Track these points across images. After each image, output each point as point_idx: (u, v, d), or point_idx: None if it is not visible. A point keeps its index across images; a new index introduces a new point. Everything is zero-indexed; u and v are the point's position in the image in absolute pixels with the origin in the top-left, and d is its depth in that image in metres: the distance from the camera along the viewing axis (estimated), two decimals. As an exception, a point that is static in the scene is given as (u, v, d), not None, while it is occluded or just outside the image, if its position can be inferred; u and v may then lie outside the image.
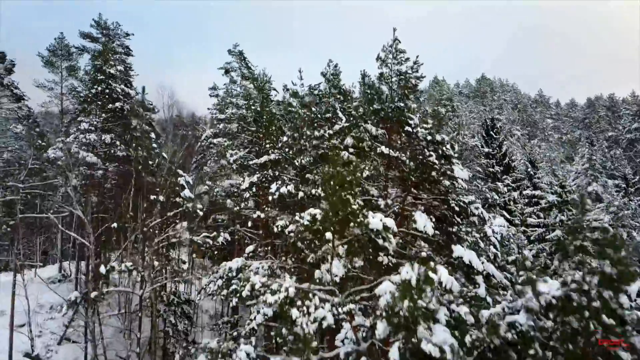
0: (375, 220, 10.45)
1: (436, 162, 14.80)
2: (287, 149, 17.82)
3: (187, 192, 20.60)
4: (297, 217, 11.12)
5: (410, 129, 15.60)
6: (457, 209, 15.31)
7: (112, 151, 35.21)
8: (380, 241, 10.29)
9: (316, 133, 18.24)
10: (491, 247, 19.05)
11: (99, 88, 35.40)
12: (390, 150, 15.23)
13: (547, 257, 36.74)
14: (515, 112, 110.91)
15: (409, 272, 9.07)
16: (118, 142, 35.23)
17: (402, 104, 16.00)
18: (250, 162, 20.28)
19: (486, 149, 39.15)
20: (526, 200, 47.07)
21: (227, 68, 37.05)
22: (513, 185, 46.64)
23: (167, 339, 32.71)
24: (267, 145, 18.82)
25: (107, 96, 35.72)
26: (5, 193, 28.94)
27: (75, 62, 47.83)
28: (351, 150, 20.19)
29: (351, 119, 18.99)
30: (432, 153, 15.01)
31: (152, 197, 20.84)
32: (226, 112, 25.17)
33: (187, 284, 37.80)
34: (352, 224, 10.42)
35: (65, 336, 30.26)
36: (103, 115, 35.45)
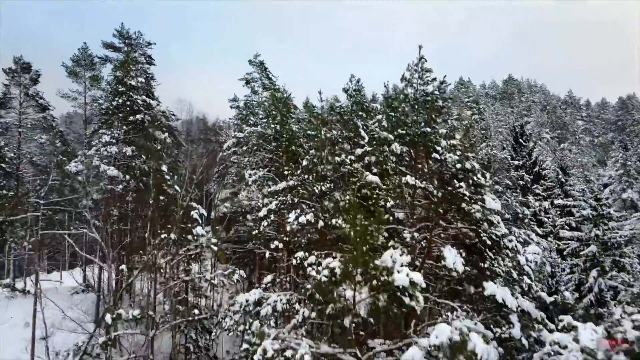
0: (401, 276, 9.53)
1: (466, 193, 13.74)
2: (306, 175, 16.99)
3: (199, 230, 19.96)
4: (313, 270, 10.29)
5: (437, 156, 14.58)
6: (488, 242, 14.24)
7: (133, 164, 35.08)
8: (407, 299, 9.37)
9: (337, 159, 17.41)
10: (524, 277, 17.85)
11: (120, 100, 35.27)
12: (417, 181, 14.25)
13: (581, 274, 35.06)
14: (544, 114, 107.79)
15: (439, 335, 8.11)
16: (138, 154, 35.09)
17: (428, 129, 14.97)
18: (268, 190, 19.54)
19: (516, 162, 37.59)
20: (558, 211, 45.25)
21: (247, 79, 36.54)
22: (543, 194, 44.88)
23: (188, 354, 32.31)
24: (286, 172, 18.06)
25: (128, 108, 35.56)
26: (28, 209, 28.89)
27: (98, 72, 48.13)
28: (374, 170, 19.28)
29: (374, 142, 18.03)
30: (462, 183, 13.96)
31: (163, 235, 20.26)
32: (245, 130, 24.53)
33: (210, 297, 37.38)
34: (375, 281, 9.53)
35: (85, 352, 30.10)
36: (124, 127, 35.28)
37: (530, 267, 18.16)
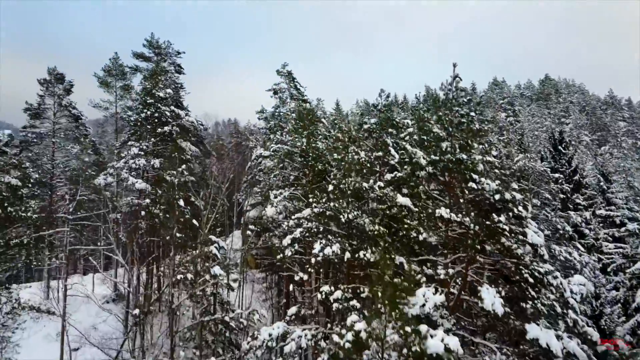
0: (436, 342, 8.57)
1: (506, 227, 12.60)
2: (332, 203, 16.06)
3: (217, 270, 19.31)
4: (335, 336, 9.42)
5: (474, 185, 13.46)
6: (531, 279, 13.05)
7: (161, 176, 35.03)
8: (442, 370, 8.42)
9: (365, 185, 16.41)
10: (569, 311, 16.50)
11: (148, 112, 35.25)
12: (452, 214, 13.18)
13: (627, 292, 32.99)
14: (583, 116, 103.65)
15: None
16: (166, 167, 35.02)
17: (464, 156, 13.86)
18: (292, 218, 18.72)
19: (556, 175, 35.73)
20: (600, 222, 42.92)
21: (275, 89, 35.94)
22: (584, 204, 42.63)
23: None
24: (311, 198, 17.18)
25: (156, 120, 35.52)
26: (57, 224, 29.06)
27: (129, 82, 48.56)
28: (405, 191, 18.27)
29: (404, 160, 16.96)
30: (501, 215, 12.81)
31: (179, 275, 19.76)
32: (270, 147, 23.86)
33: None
34: (405, 350, 8.58)
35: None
36: (152, 139, 35.24)
37: (575, 299, 16.80)
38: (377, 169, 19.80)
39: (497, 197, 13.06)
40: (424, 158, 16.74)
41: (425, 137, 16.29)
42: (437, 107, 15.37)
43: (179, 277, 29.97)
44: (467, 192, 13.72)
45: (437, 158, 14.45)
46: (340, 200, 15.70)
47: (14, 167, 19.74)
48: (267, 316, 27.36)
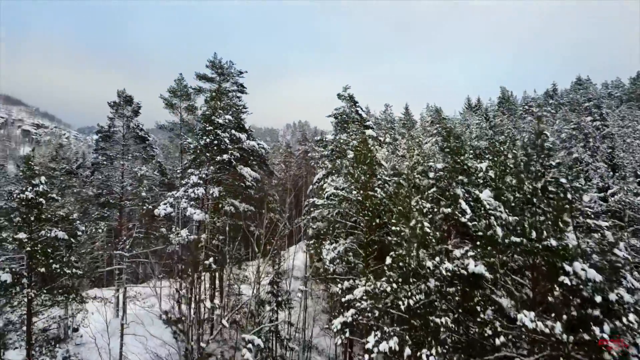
0: None
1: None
2: (392, 284, 13.79)
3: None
4: None
5: (567, 280, 10.75)
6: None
7: (220, 205, 34.38)
8: None
9: (429, 264, 13.93)
10: None
11: (208, 139, 34.66)
12: (539, 323, 10.53)
13: None
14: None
15: None
16: (225, 195, 34.34)
17: (553, 242, 11.15)
18: (343, 299, 16.66)
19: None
20: None
21: (336, 114, 34.12)
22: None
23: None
24: (366, 274, 15.07)
25: (215, 147, 34.86)
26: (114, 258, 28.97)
27: (193, 102, 48.84)
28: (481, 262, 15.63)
29: (480, 238, 14.30)
30: (603, 325, 10.06)
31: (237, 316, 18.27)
32: (326, 193, 21.96)
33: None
34: None
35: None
36: (211, 167, 34.64)
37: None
38: (444, 228, 17.33)
39: (598, 298, 10.32)
40: (502, 224, 14.07)
41: (505, 210, 13.62)
42: (518, 171, 12.71)
43: (237, 317, 29.05)
44: (557, 287, 11.03)
45: (519, 240, 11.83)
46: (400, 281, 13.49)
47: (62, 219, 19.36)
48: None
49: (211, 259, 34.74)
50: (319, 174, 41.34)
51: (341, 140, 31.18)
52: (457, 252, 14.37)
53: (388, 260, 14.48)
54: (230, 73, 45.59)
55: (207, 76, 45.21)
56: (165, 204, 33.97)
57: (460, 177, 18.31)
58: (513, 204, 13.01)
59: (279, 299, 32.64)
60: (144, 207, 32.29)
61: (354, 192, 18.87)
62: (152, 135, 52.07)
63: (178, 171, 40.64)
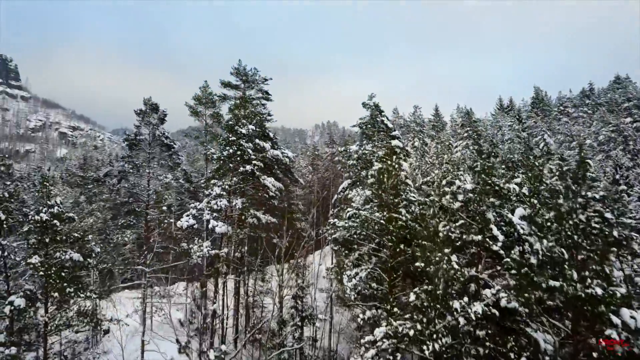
0: None
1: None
2: (414, 326, 12.69)
3: None
4: None
5: (615, 335, 9.49)
6: None
7: (243, 217, 33.84)
8: None
9: (457, 304, 12.71)
10: None
11: (231, 150, 34.15)
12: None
13: None
14: None
15: None
16: (248, 207, 33.79)
17: (598, 290, 9.88)
18: (363, 342, 15.54)
19: None
20: None
21: (360, 124, 33.12)
22: None
23: None
24: (387, 313, 14.00)
25: (239, 158, 34.33)
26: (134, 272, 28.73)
27: (218, 109, 48.59)
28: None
29: (513, 268, 13.06)
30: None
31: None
32: (347, 213, 20.95)
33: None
34: None
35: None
36: (234, 178, 34.10)
37: None
38: (474, 257, 16.12)
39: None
40: (537, 254, 12.83)
41: (540, 220, 12.35)
42: (557, 205, 11.46)
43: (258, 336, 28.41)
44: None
45: (558, 284, 10.60)
46: (424, 321, 12.42)
47: (76, 240, 19.02)
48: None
49: (232, 275, 34.38)
50: (344, 183, 40.38)
51: (366, 151, 30.12)
52: (488, 292, 13.17)
53: (412, 297, 13.40)
54: (255, 80, 45.11)
55: (231, 84, 44.84)
56: (188, 215, 33.63)
57: (491, 200, 17.07)
58: (549, 232, 11.76)
59: (303, 314, 31.85)
60: (166, 220, 31.90)
61: (377, 213, 17.86)
62: (178, 143, 52.24)
63: (202, 182, 40.30)
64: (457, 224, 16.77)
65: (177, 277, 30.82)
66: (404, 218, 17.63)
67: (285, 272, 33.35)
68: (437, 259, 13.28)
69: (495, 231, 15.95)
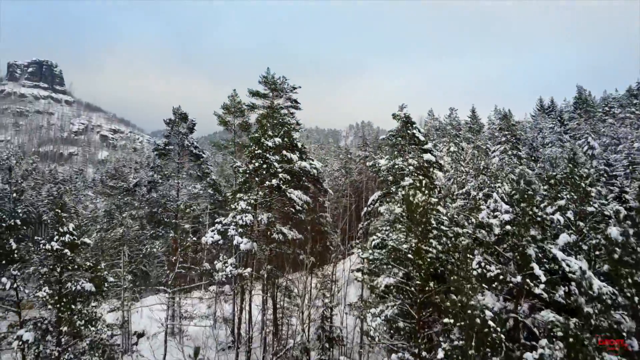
0: None
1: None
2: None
3: None
4: None
5: None
6: None
7: (269, 233, 32.88)
8: None
9: None
10: None
11: (257, 163, 33.25)
12: None
13: None
14: None
15: None
16: (274, 222, 32.83)
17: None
18: None
19: None
20: None
21: (390, 136, 31.65)
22: None
23: None
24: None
25: (264, 171, 33.38)
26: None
27: (247, 119, 48.06)
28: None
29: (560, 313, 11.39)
30: None
31: None
32: (373, 242, 19.54)
33: None
34: None
35: None
36: (260, 192, 33.17)
37: None
38: (514, 296, 14.46)
39: None
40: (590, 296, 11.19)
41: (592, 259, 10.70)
42: (614, 258, 9.78)
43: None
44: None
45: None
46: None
47: (88, 269, 18.41)
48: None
49: (258, 291, 33.46)
50: (374, 195, 38.86)
51: (396, 166, 28.62)
52: (529, 356, 11.50)
53: (440, 355, 11.92)
54: (283, 89, 44.24)
55: (259, 92, 44.13)
56: (213, 231, 32.95)
57: (532, 233, 15.35)
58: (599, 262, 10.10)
59: (331, 335, 30.67)
60: (189, 239, 31.28)
61: (405, 245, 16.41)
62: (207, 152, 51.90)
63: (229, 195, 39.63)
64: (493, 260, 15.18)
65: (202, 296, 30.27)
66: (434, 251, 16.12)
67: (311, 290, 32.25)
68: (470, 303, 11.77)
69: (537, 271, 14.28)
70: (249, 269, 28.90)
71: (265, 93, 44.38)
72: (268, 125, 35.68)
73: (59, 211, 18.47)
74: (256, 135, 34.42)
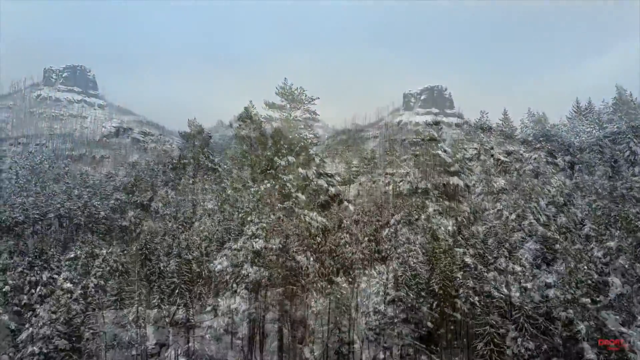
0: None
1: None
2: None
3: None
4: None
5: None
6: None
7: (281, 260, 30.58)
8: None
9: None
10: None
11: (269, 184, 31.10)
12: None
13: None
14: None
15: None
16: (286, 246, 30.50)
17: None
18: None
19: None
20: None
21: (413, 154, 28.92)
22: None
23: None
24: None
25: (277, 193, 31.22)
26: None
27: (263, 131, 46.02)
28: None
29: None
30: None
31: None
32: (392, 266, 16.89)
33: None
34: None
35: None
36: (272, 215, 31.00)
37: None
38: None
39: None
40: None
41: None
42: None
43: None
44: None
45: None
46: None
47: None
48: None
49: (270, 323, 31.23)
50: (396, 216, 36.13)
51: (419, 190, 25.99)
52: None
53: None
54: (300, 100, 42.09)
55: (275, 104, 42.17)
56: (222, 256, 30.97)
57: (582, 300, 12.54)
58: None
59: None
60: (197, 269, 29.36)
61: (424, 308, 13.88)
62: (223, 165, 50.03)
63: (241, 216, 37.54)
64: (531, 337, 12.47)
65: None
66: (459, 316, 13.52)
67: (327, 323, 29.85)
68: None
69: (590, 354, 11.48)
70: (255, 306, 26.66)
71: (282, 105, 42.34)
72: (282, 142, 33.41)
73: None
74: (268, 153, 32.31)
